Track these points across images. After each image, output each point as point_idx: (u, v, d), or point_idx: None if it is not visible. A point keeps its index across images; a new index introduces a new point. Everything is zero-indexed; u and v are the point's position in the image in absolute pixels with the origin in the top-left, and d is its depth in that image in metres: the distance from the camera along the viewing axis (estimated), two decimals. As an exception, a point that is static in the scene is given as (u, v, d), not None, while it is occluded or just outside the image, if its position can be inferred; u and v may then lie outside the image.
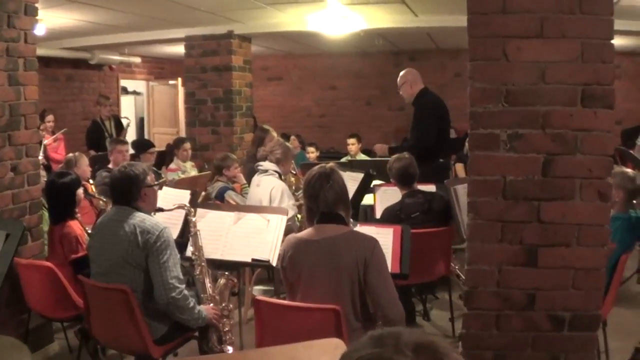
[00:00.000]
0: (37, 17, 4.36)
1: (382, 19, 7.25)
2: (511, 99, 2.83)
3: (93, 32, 8.24)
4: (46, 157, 6.89)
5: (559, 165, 2.82)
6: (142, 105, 12.77)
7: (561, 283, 2.86)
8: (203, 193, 6.48)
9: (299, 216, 5.85)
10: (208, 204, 4.69)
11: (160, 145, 9.28)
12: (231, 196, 6.02)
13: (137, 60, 11.38)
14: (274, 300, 3.19)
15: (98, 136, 8.89)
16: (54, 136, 7.78)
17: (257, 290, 5.54)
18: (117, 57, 10.53)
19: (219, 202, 6.09)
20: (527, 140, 2.83)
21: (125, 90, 12.61)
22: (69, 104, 10.32)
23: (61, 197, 4.16)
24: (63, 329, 4.43)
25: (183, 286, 3.38)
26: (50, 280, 3.91)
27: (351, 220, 3.39)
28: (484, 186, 2.90)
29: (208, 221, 4.34)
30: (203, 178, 6.49)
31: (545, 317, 2.88)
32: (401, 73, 5.95)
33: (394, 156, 5.05)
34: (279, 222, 4.16)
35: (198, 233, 3.83)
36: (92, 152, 8.37)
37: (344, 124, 11.84)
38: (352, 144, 9.00)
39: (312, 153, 8.83)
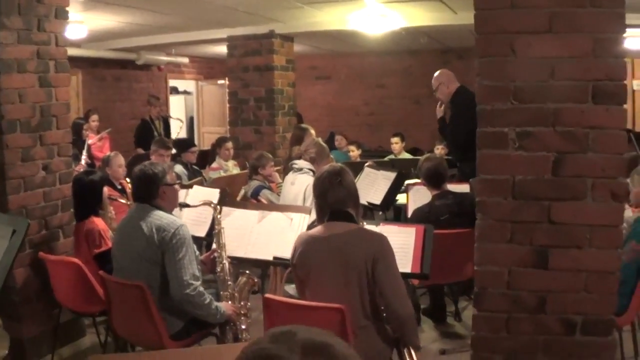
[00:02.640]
0: (67, 20, 4.47)
1: (421, 16, 7.17)
2: (520, 96, 2.76)
3: (137, 33, 8.44)
4: (90, 155, 7.10)
5: (570, 164, 2.73)
6: (192, 104, 13.00)
7: (573, 286, 2.77)
8: (242, 192, 6.56)
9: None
10: (234, 202, 4.73)
11: (209, 145, 9.44)
12: (266, 195, 6.07)
13: (185, 60, 11.58)
14: (282, 298, 3.20)
15: (147, 135, 9.10)
16: (98, 135, 8.00)
17: (289, 289, 5.57)
18: (164, 58, 10.74)
19: (254, 201, 6.16)
20: (537, 139, 2.75)
21: (176, 90, 12.88)
22: (117, 104, 10.56)
23: (87, 194, 4.29)
24: (94, 323, 4.57)
25: (198, 283, 3.43)
26: (77, 276, 4.02)
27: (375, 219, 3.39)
28: (492, 186, 2.84)
29: (233, 219, 4.39)
30: (240, 177, 6.57)
31: (556, 320, 2.80)
32: (435, 75, 5.86)
33: (424, 156, 5.02)
34: (301, 221, 4.19)
35: (222, 231, 3.88)
36: (140, 150, 8.59)
37: (392, 122, 11.76)
38: (396, 143, 8.95)
39: (353, 152, 8.80)
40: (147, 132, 9.20)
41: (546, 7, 2.68)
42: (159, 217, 3.50)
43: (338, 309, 2.87)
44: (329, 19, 7.62)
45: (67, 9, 4.47)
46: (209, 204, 3.98)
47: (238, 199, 6.46)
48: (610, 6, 2.62)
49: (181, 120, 10.09)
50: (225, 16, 7.30)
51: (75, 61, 9.27)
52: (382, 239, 3.00)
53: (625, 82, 2.67)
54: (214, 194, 4.89)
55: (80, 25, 6.86)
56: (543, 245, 2.79)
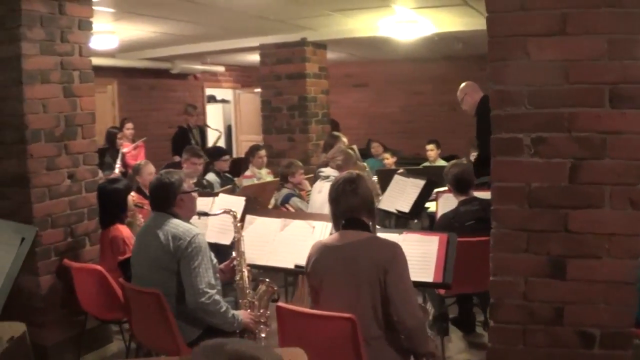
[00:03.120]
0: (91, 31, 4.56)
1: (452, 22, 7.08)
2: (534, 100, 2.67)
3: (171, 42, 8.54)
4: (124, 164, 7.20)
5: (587, 171, 2.63)
6: (230, 113, 13.11)
7: (591, 297, 2.66)
8: (273, 200, 6.57)
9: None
10: (257, 210, 4.72)
11: (246, 153, 9.47)
12: (295, 203, 6.06)
13: (221, 69, 11.66)
14: (294, 307, 3.16)
15: (184, 143, 9.16)
16: (133, 145, 8.11)
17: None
18: (199, 67, 10.82)
19: (284, 209, 6.16)
20: (552, 145, 2.66)
21: (214, 99, 12.99)
22: (152, 113, 10.67)
23: (111, 202, 4.35)
24: (120, 330, 4.61)
25: (214, 291, 3.43)
26: (100, 283, 4.08)
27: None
28: (507, 193, 2.76)
29: (256, 227, 4.39)
30: (271, 185, 6.55)
31: (573, 333, 2.69)
32: (460, 87, 5.83)
33: (451, 162, 4.93)
34: (323, 229, 4.15)
35: (241, 239, 3.87)
36: (177, 158, 8.67)
37: (429, 129, 11.60)
38: (431, 150, 8.86)
39: (387, 159, 8.72)
40: (185, 140, 9.27)
41: (559, 8, 2.59)
42: (175, 225, 3.51)
43: (349, 318, 2.82)
44: (359, 26, 7.59)
45: (91, 20, 4.57)
46: (228, 212, 3.98)
47: (270, 206, 6.48)
48: (626, 6, 2.51)
49: (219, 131, 10.13)
50: (257, 25, 7.33)
51: (110, 71, 9.46)
52: (394, 248, 2.94)
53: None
54: (239, 203, 4.89)
55: (111, 36, 6.98)
56: (560, 255, 2.69)
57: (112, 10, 6.13)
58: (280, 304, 3.14)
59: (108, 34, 6.96)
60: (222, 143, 12.29)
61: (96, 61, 8.53)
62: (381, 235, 3.84)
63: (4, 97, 4.25)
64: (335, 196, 3.07)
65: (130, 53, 9.26)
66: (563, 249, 2.68)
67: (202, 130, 9.83)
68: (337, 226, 3.13)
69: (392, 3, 6.39)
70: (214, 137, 10.00)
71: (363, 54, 10.84)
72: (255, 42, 8.27)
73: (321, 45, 8.40)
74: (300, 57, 8.12)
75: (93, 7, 5.53)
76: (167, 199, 3.62)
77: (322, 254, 3.05)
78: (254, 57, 9.50)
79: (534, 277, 2.74)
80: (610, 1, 2.52)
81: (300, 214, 4.70)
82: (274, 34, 7.99)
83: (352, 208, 3.02)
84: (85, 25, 4.53)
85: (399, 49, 9.64)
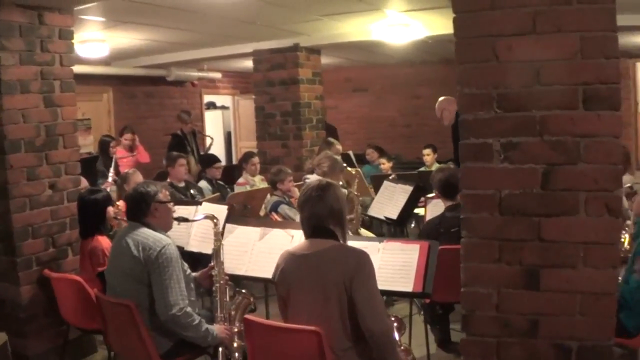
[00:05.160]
0: (72, 41, 4.50)
1: (443, 25, 6.93)
2: (504, 104, 2.56)
3: (164, 50, 8.48)
4: (117, 172, 7.10)
5: (560, 177, 2.51)
6: (229, 119, 13.03)
7: (566, 309, 2.53)
8: (263, 207, 6.47)
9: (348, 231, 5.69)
10: (236, 218, 4.62)
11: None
12: (284, 210, 5.95)
13: (218, 75, 11.58)
14: (261, 320, 3.06)
15: (179, 150, 9.05)
16: (131, 153, 8.02)
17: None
18: (195, 73, 10.73)
19: (273, 216, 6.06)
20: (524, 150, 2.54)
21: (213, 105, 12.92)
22: (148, 120, 10.58)
23: (90, 212, 4.27)
24: (105, 340, 4.52)
25: (185, 303, 3.34)
26: (79, 293, 4.03)
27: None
28: (477, 201, 2.64)
29: (236, 236, 4.30)
30: (261, 192, 6.46)
31: (549, 346, 2.57)
32: (437, 105, 5.90)
33: (438, 167, 4.83)
34: (302, 238, 4.03)
35: (221, 247, 3.77)
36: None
37: (429, 133, 11.45)
38: (428, 155, 8.75)
39: (384, 164, 8.61)
40: (180, 148, 9.16)
41: (529, 6, 2.48)
42: (146, 235, 3.43)
43: (314, 331, 2.72)
44: (351, 30, 7.48)
45: (72, 29, 4.52)
46: (210, 217, 3.87)
47: (261, 214, 6.38)
48: (598, 2, 2.40)
49: (211, 137, 10.03)
50: (250, 31, 7.25)
51: (105, 79, 9.40)
52: (359, 256, 2.85)
53: (618, 85, 2.43)
54: (222, 211, 4.78)
55: (101, 44, 6.91)
56: (534, 265, 2.57)
57: (101, 19, 6.06)
58: (247, 316, 3.04)
59: (98, 42, 6.89)
60: (221, 150, 12.24)
61: (91, 69, 8.58)
62: (360, 243, 3.76)
63: (-15, 108, 4.20)
64: (301, 203, 3.02)
65: (125, 61, 9.19)
66: (537, 259, 2.56)
67: (197, 136, 9.73)
68: (305, 234, 3.04)
69: (383, 7, 6.30)
70: (207, 144, 9.91)
71: (360, 58, 10.74)
72: (248, 48, 8.19)
73: (315, 51, 8.30)
74: (293, 63, 8.02)
75: (81, 17, 5.51)
76: (140, 208, 3.55)
77: (289, 262, 2.97)
78: (251, 63, 9.44)
79: (507, 287, 2.62)
80: (582, -2, 2.41)
81: (282, 223, 4.60)
82: (267, 39, 7.89)
83: (317, 216, 2.94)
84: (66, 35, 4.48)
85: (397, 53, 9.55)
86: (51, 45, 4.35)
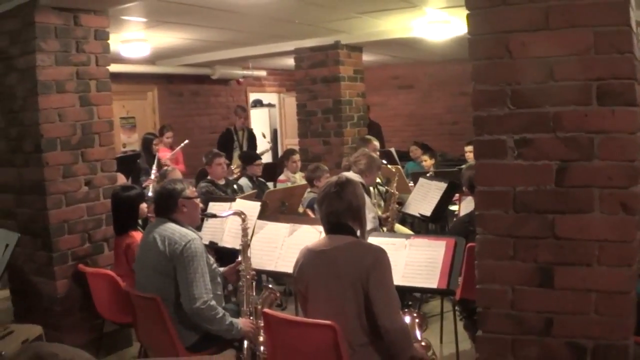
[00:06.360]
0: (108, 41, 4.63)
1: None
2: (517, 100, 2.54)
3: (208, 48, 8.62)
4: (160, 169, 7.25)
5: (574, 173, 2.48)
6: (276, 117, 13.16)
7: (581, 307, 2.50)
8: (301, 205, 6.53)
9: (384, 228, 5.71)
10: (268, 215, 4.69)
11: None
12: (319, 207, 5.99)
13: (263, 73, 11.68)
14: (279, 314, 3.11)
15: (227, 144, 9.26)
16: (172, 152, 8.20)
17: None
18: (239, 72, 10.83)
19: (310, 212, 6.12)
20: (537, 146, 2.52)
21: (260, 103, 13.06)
22: (195, 118, 10.73)
23: (123, 209, 4.40)
24: (136, 333, 4.65)
25: (209, 296, 3.42)
26: (112, 288, 4.14)
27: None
28: (491, 198, 2.63)
29: (266, 232, 4.38)
30: (299, 189, 6.52)
31: (564, 344, 2.54)
32: None
33: (467, 164, 4.78)
34: (330, 234, 4.08)
35: (249, 243, 3.85)
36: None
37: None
38: (469, 152, 8.61)
39: (426, 161, 8.56)
40: (228, 142, 9.34)
41: (541, 2, 2.45)
42: (172, 230, 3.53)
43: (330, 326, 2.76)
44: (392, 28, 7.47)
45: (107, 30, 4.64)
46: (239, 214, 3.95)
47: (300, 211, 6.45)
48: (611, -4, 2.36)
49: (264, 135, 10.15)
50: (291, 29, 7.32)
51: (151, 77, 9.61)
52: (376, 252, 2.87)
53: (632, 80, 2.38)
54: (255, 207, 4.86)
55: (143, 43, 7.09)
56: (548, 263, 2.54)
57: (143, 19, 6.23)
58: (266, 310, 3.09)
59: (140, 42, 7.07)
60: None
61: (135, 68, 8.80)
62: (388, 239, 3.78)
63: (23, 108, 4.39)
64: (320, 199, 3.06)
65: (169, 59, 9.38)
66: (551, 256, 2.54)
67: (251, 133, 9.83)
68: (325, 230, 3.09)
69: (422, 4, 6.27)
70: (262, 146, 9.98)
71: (404, 55, 10.67)
72: (290, 46, 8.26)
73: (356, 48, 8.30)
74: (334, 60, 8.05)
75: (123, 17, 5.67)
76: (167, 205, 3.65)
77: (307, 258, 3.02)
78: (293, 61, 9.52)
79: (521, 285, 2.60)
80: (594, -8, 2.37)
81: (310, 219, 4.64)
82: (308, 37, 7.94)
83: (336, 212, 2.97)
84: (101, 35, 4.61)
85: (441, 50, 9.46)
86: (86, 46, 4.49)
